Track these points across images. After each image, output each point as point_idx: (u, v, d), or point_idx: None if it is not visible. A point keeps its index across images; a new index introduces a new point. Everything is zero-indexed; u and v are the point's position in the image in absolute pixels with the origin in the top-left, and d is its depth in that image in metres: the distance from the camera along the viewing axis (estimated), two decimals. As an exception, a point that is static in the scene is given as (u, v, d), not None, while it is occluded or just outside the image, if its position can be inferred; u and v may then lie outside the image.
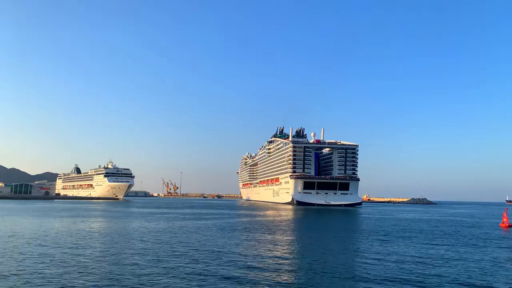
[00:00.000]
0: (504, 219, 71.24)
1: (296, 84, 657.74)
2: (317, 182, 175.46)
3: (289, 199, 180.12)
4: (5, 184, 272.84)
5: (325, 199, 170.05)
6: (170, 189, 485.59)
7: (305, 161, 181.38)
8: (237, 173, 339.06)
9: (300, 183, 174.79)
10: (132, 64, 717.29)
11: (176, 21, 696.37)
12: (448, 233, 55.11)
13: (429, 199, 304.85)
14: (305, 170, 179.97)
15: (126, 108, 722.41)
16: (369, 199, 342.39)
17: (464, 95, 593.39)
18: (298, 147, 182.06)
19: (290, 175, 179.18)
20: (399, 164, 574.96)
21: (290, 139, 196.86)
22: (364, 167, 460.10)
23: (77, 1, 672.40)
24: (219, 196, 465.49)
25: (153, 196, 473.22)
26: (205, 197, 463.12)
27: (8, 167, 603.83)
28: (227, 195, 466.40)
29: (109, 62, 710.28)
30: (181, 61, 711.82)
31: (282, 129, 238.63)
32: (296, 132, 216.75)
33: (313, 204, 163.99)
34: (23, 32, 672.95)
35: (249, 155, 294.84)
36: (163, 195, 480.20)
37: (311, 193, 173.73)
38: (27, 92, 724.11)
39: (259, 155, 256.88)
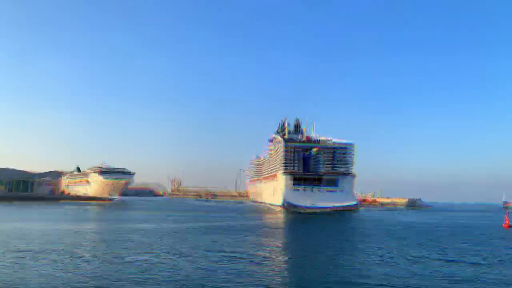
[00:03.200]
0: (506, 221, 69.48)
1: (296, 82, 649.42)
2: (304, 177, 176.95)
3: (279, 201, 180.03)
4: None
5: (311, 198, 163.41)
6: (176, 187, 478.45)
7: (294, 161, 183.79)
8: (243, 171, 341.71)
9: (290, 178, 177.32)
10: (133, 63, 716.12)
11: (175, 19, 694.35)
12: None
13: (429, 199, 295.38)
14: (295, 168, 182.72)
15: (126, 108, 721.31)
16: (374, 200, 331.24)
17: (465, 94, 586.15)
18: (289, 147, 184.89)
19: (281, 173, 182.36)
20: (400, 164, 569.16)
21: (286, 136, 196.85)
22: (364, 167, 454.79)
23: (77, 0, 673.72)
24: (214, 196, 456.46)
25: (158, 195, 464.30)
26: (202, 197, 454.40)
27: (8, 167, 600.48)
28: (227, 195, 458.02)
29: (110, 61, 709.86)
30: (181, 59, 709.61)
31: (283, 123, 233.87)
32: (295, 126, 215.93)
33: (300, 207, 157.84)
34: (23, 32, 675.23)
35: (256, 157, 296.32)
36: (168, 193, 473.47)
37: (298, 190, 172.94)
38: (27, 92, 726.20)
39: (262, 156, 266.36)
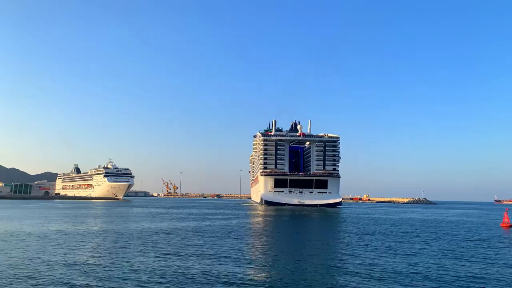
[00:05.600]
0: (505, 219, 71.10)
1: (297, 81, 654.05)
2: (290, 179, 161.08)
3: (259, 199, 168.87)
4: (5, 184, 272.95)
5: (299, 198, 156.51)
6: (170, 189, 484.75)
7: (277, 156, 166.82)
8: (248, 172, 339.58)
9: (271, 180, 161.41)
10: (132, 64, 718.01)
11: (176, 18, 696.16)
12: (450, 233, 54.82)
13: (429, 199, 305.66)
14: (278, 166, 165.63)
15: (126, 108, 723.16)
16: (369, 199, 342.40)
17: (465, 95, 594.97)
18: (269, 141, 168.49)
19: (261, 172, 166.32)
20: (400, 165, 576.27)
21: (272, 132, 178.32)
22: (364, 167, 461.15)
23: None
24: (219, 196, 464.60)
25: (153, 196, 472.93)
26: (205, 197, 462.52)
27: (8, 167, 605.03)
28: (227, 195, 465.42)
29: (109, 61, 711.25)
30: (180, 60, 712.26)
31: (275, 123, 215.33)
32: (292, 126, 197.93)
33: (284, 204, 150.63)
34: (23, 32, 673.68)
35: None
36: (163, 195, 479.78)
37: (283, 191, 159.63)
38: (27, 92, 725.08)
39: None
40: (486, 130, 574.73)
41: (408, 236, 49.34)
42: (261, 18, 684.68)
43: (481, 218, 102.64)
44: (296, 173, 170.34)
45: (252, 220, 76.93)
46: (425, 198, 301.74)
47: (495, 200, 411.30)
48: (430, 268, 27.35)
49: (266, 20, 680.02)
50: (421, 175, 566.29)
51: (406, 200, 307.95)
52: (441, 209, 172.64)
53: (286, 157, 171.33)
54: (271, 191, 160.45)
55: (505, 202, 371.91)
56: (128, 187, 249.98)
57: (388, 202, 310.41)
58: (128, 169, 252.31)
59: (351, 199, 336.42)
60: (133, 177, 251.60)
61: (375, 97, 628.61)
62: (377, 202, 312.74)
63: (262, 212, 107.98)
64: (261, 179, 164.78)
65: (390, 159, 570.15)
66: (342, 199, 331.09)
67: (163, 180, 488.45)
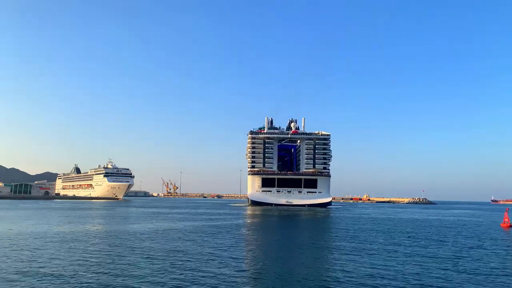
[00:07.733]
0: (505, 219, 71.07)
1: (298, 80, 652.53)
2: (278, 178, 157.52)
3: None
4: (5, 184, 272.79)
5: (287, 198, 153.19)
6: (170, 189, 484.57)
7: (265, 155, 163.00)
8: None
9: (258, 180, 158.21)
10: (132, 64, 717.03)
11: (175, 17, 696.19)
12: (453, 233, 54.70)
13: (429, 199, 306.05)
14: (266, 165, 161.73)
15: (126, 108, 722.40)
16: (369, 199, 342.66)
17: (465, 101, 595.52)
18: (257, 139, 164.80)
19: (248, 171, 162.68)
20: (400, 165, 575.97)
21: (265, 130, 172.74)
22: (364, 167, 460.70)
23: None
24: (219, 196, 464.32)
25: (153, 196, 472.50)
26: (205, 197, 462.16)
27: (8, 167, 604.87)
28: (228, 195, 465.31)
29: (109, 61, 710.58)
30: (180, 59, 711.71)
31: (272, 121, 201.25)
32: (288, 123, 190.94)
33: (271, 204, 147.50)
34: (23, 31, 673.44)
35: None
36: (163, 195, 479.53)
37: (271, 191, 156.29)
38: (27, 92, 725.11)
39: None
40: (485, 131, 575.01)
41: (408, 238, 49.29)
42: (260, 18, 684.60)
43: (480, 218, 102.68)
44: (285, 172, 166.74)
45: (225, 223, 66.95)
46: (425, 198, 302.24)
47: (492, 200, 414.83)
48: (433, 270, 27.28)
49: (266, 20, 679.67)
50: (421, 175, 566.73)
51: (406, 200, 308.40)
52: (441, 210, 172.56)
53: (275, 156, 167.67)
54: (259, 191, 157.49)
55: (501, 202, 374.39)
56: (128, 187, 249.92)
57: (388, 202, 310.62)
58: (128, 169, 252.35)
59: (351, 199, 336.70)
60: (133, 177, 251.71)
61: (376, 96, 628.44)
62: (377, 202, 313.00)
63: (247, 213, 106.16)
64: (249, 178, 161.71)
65: (390, 159, 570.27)
66: (342, 199, 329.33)
67: (163, 180, 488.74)
